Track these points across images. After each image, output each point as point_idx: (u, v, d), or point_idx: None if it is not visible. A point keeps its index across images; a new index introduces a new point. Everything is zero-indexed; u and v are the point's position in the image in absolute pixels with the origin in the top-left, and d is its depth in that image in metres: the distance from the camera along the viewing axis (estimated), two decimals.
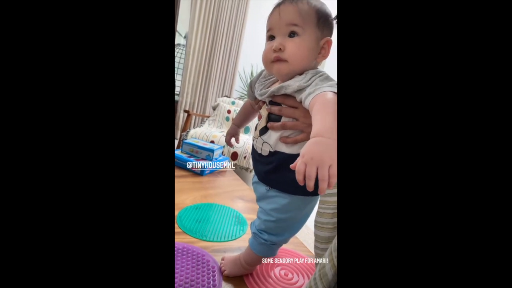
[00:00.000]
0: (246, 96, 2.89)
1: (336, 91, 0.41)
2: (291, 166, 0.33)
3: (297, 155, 0.34)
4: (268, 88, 0.53)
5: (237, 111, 2.34)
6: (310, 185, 0.31)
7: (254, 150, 0.56)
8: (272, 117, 0.51)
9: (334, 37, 0.48)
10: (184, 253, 0.66)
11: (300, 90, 0.45)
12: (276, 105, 0.50)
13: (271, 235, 0.55)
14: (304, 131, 0.48)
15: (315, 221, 0.48)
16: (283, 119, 0.50)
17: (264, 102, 0.54)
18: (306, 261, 0.70)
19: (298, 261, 0.70)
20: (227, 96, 2.63)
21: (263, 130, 0.52)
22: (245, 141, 1.97)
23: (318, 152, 0.31)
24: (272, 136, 0.50)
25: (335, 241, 0.39)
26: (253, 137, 0.56)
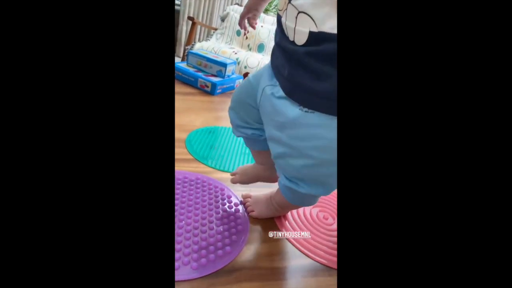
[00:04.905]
0: None
1: None
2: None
3: None
4: None
5: None
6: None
7: (281, 37, 0.32)
8: None
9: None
10: (199, 185, 0.52)
11: None
12: None
13: (313, 187, 0.36)
14: None
15: None
16: None
17: None
18: None
19: None
20: (238, 4, 2.22)
21: None
22: (259, 61, 1.72)
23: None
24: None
25: None
26: (278, 11, 0.32)
